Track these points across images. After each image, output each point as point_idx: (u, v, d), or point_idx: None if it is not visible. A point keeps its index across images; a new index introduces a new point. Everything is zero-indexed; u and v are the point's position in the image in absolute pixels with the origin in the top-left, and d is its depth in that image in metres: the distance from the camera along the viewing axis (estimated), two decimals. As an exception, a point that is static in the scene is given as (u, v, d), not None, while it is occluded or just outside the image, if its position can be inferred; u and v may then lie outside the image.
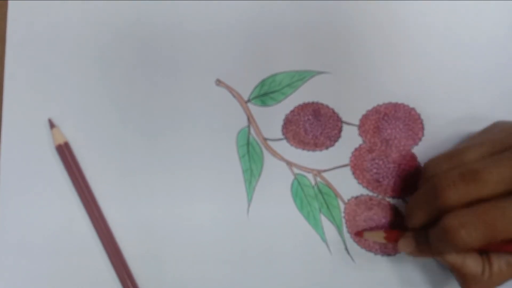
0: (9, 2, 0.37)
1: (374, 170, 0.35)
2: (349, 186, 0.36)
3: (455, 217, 0.27)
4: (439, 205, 0.28)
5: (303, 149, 0.36)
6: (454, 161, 0.29)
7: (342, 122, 0.36)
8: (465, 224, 0.26)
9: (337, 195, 0.35)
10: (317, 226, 0.35)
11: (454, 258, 0.30)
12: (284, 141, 0.36)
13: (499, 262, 0.29)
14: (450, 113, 0.36)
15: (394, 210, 0.35)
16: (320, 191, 0.35)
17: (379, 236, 0.34)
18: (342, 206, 0.35)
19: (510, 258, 0.29)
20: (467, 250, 0.28)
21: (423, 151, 0.35)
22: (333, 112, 0.36)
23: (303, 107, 0.36)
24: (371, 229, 0.35)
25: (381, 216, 0.35)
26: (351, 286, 0.35)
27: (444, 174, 0.28)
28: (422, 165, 0.35)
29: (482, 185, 0.27)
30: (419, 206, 0.30)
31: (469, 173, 0.27)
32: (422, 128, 0.35)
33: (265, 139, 0.36)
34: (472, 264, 0.30)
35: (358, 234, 0.35)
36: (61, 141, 0.35)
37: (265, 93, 0.36)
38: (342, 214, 0.35)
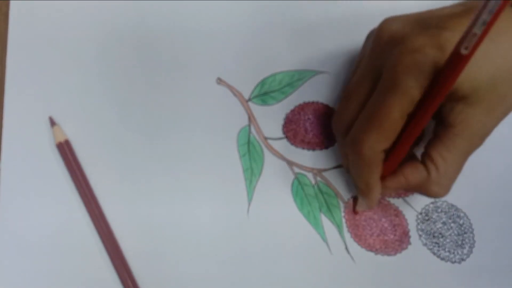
0: (11, 2, 0.37)
1: (375, 170, 0.35)
2: (349, 186, 0.36)
3: (349, 135, 0.29)
4: (341, 134, 0.31)
5: (304, 148, 0.36)
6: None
7: (342, 121, 0.36)
8: (358, 134, 0.28)
9: (337, 194, 0.36)
10: (317, 225, 0.35)
11: (395, 181, 0.30)
12: (285, 140, 0.36)
13: (439, 152, 0.29)
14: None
15: (395, 210, 0.35)
16: (320, 190, 0.36)
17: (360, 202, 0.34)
18: (342, 205, 0.35)
19: (445, 142, 0.28)
20: (377, 160, 0.28)
21: (423, 150, 0.35)
22: (333, 111, 0.36)
23: (303, 106, 0.36)
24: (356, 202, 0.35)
25: (381, 216, 0.35)
26: (351, 286, 0.35)
27: (336, 111, 0.32)
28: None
29: (355, 96, 0.29)
30: (341, 156, 0.33)
31: (345, 94, 0.30)
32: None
33: (266, 138, 0.36)
34: (413, 172, 0.30)
35: (356, 213, 0.35)
36: (61, 139, 0.35)
37: (266, 92, 0.36)
38: (342, 214, 0.35)
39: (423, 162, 0.30)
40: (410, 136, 0.28)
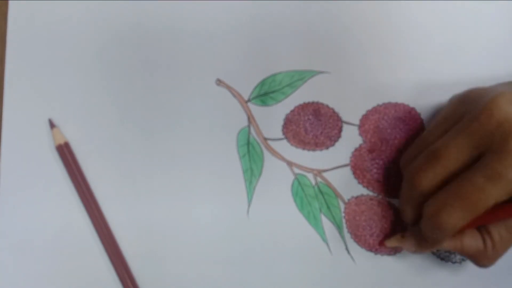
0: (10, 2, 0.37)
1: (374, 170, 0.35)
2: (349, 186, 0.36)
3: (432, 203, 0.28)
4: (417, 194, 0.29)
5: (304, 149, 0.36)
6: (420, 148, 0.30)
7: (342, 122, 0.36)
8: (443, 207, 0.27)
9: (337, 195, 0.36)
10: (317, 226, 0.35)
11: (452, 244, 0.30)
12: (285, 141, 0.36)
13: (498, 230, 0.30)
14: (450, 113, 0.36)
15: (394, 210, 0.35)
16: (320, 191, 0.36)
17: (397, 240, 0.34)
18: (342, 206, 0.35)
19: (508, 223, 0.29)
20: (457, 230, 0.28)
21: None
22: (333, 111, 0.36)
23: (303, 106, 0.36)
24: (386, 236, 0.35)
25: (381, 216, 0.35)
26: (351, 286, 0.35)
27: (413, 163, 0.30)
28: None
29: (445, 161, 0.27)
30: (405, 201, 0.31)
31: (431, 154, 0.28)
32: (422, 128, 0.35)
33: (266, 139, 0.36)
34: (471, 242, 0.30)
35: (381, 244, 0.35)
36: (61, 141, 0.35)
37: (265, 93, 0.36)
38: (343, 214, 0.35)
39: (480, 232, 0.30)
40: (492, 218, 0.29)
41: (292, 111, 0.36)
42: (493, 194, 0.26)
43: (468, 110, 0.28)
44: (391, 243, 0.34)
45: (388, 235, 0.35)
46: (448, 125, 0.29)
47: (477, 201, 0.26)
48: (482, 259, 0.30)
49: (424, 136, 0.31)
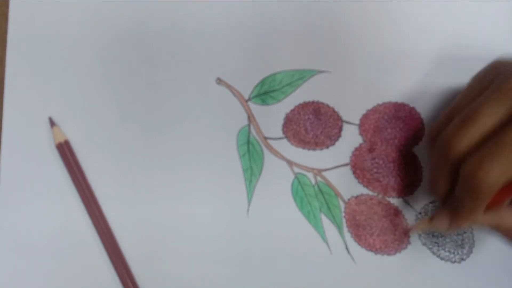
0: (10, 2, 0.37)
1: (374, 170, 0.35)
2: (349, 186, 0.36)
3: (470, 161, 0.27)
4: (452, 159, 0.28)
5: (304, 148, 0.36)
6: (451, 117, 0.30)
7: (342, 121, 0.36)
8: (481, 163, 0.26)
9: (337, 194, 0.35)
10: (317, 225, 0.35)
11: (490, 219, 0.30)
12: (285, 140, 0.36)
13: None
14: (450, 113, 0.36)
15: (394, 210, 0.35)
16: (320, 190, 0.35)
17: (424, 223, 0.33)
18: (342, 205, 0.35)
19: None
20: (494, 191, 0.27)
21: (423, 151, 0.35)
22: (334, 111, 0.36)
23: (303, 106, 0.36)
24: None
25: (381, 216, 0.35)
26: (351, 286, 0.35)
27: (446, 129, 0.29)
28: (422, 164, 0.35)
29: (482, 122, 0.27)
30: (438, 171, 0.30)
31: (467, 116, 0.28)
32: (422, 128, 0.36)
33: (266, 138, 0.36)
34: (510, 217, 0.29)
35: (406, 232, 0.35)
36: (61, 140, 0.35)
37: (266, 92, 0.36)
38: (343, 214, 0.35)
39: None
40: None
41: (292, 110, 0.36)
42: None
43: (497, 75, 0.28)
44: (418, 227, 0.33)
45: (391, 232, 0.35)
46: (477, 92, 0.29)
47: None
48: None
49: (454, 106, 0.30)
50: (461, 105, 0.30)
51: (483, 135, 0.27)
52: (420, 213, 0.35)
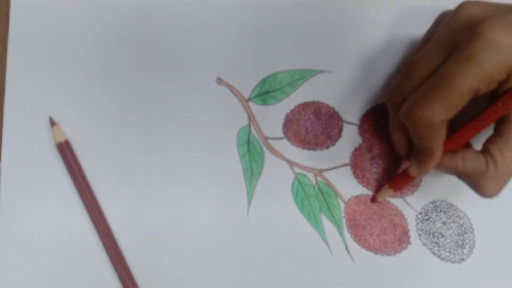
0: (11, 2, 0.37)
1: (374, 170, 0.36)
2: (349, 186, 0.36)
3: (407, 101, 0.28)
4: (399, 107, 0.29)
5: (304, 148, 0.36)
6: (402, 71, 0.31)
7: (342, 121, 0.36)
8: (417, 101, 0.27)
9: (337, 194, 0.35)
10: (317, 226, 0.35)
11: (452, 161, 0.30)
12: (285, 140, 0.36)
13: (500, 150, 0.28)
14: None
15: (394, 210, 0.35)
16: (320, 190, 0.35)
17: (387, 191, 0.34)
18: (342, 205, 0.35)
19: (509, 141, 0.28)
20: (438, 131, 0.27)
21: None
22: (334, 111, 0.36)
23: (303, 106, 0.36)
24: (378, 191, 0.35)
25: (381, 216, 0.35)
26: (351, 286, 0.35)
27: (391, 83, 0.31)
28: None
29: (419, 69, 0.28)
30: (393, 128, 0.32)
31: (406, 67, 0.29)
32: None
33: (266, 138, 0.36)
34: (472, 161, 0.29)
35: (373, 201, 0.35)
36: (61, 139, 0.35)
37: (266, 92, 0.36)
38: (342, 214, 0.35)
39: (482, 154, 0.29)
40: (481, 123, 0.28)
41: (292, 110, 0.36)
42: (465, 79, 0.25)
43: (439, 25, 0.29)
44: (382, 196, 0.34)
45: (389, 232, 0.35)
46: (423, 44, 0.30)
47: (449, 87, 0.26)
48: (485, 181, 0.29)
49: (404, 62, 0.32)
50: (407, 61, 0.31)
51: (423, 79, 0.28)
52: (420, 213, 0.35)
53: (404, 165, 0.35)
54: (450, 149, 0.30)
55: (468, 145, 0.30)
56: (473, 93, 0.26)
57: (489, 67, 0.25)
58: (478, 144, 0.31)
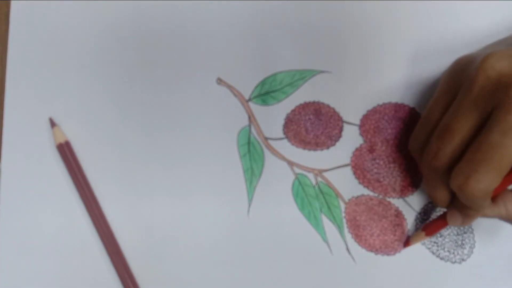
0: (11, 2, 0.37)
1: (375, 170, 0.36)
2: (349, 186, 0.36)
3: (456, 175, 0.28)
4: (441, 175, 0.29)
5: (304, 148, 0.36)
6: (425, 128, 0.31)
7: (343, 121, 0.36)
8: (468, 175, 0.27)
9: (337, 195, 0.36)
10: (318, 226, 0.35)
11: (496, 210, 0.30)
12: (285, 141, 0.36)
13: None
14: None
15: (395, 210, 0.35)
16: (321, 191, 0.36)
17: (421, 236, 0.34)
18: (342, 206, 0.35)
19: None
20: (490, 195, 0.28)
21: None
22: (334, 111, 0.36)
23: (304, 106, 0.36)
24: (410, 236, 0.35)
25: (381, 216, 0.35)
26: (352, 286, 0.35)
27: (427, 147, 0.30)
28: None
29: (458, 133, 0.28)
30: (433, 187, 0.31)
31: (442, 131, 0.29)
32: (423, 128, 0.36)
33: (266, 138, 0.36)
34: None
35: (406, 245, 0.35)
36: (62, 140, 0.35)
37: (266, 92, 0.36)
38: (343, 214, 0.35)
39: None
40: None
41: (293, 110, 0.36)
42: None
43: (462, 78, 0.29)
44: (415, 241, 0.34)
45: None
46: (448, 99, 0.30)
47: (500, 158, 0.26)
48: None
49: (426, 115, 0.31)
50: (433, 116, 0.30)
51: (463, 146, 0.28)
52: (420, 213, 0.35)
53: (438, 210, 0.35)
54: (492, 197, 0.30)
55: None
56: None
57: None
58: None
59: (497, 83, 0.26)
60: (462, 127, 0.28)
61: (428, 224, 0.34)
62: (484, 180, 0.26)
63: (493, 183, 0.27)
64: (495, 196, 0.30)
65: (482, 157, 0.26)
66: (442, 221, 0.33)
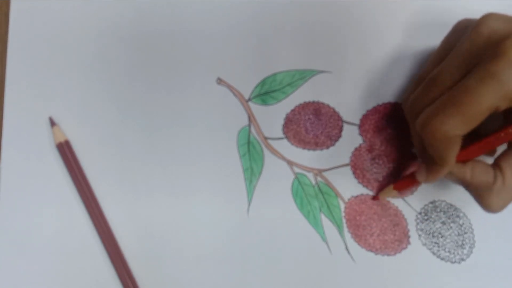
0: (11, 2, 0.37)
1: (374, 170, 0.36)
2: (349, 186, 0.36)
3: (422, 115, 0.28)
4: (416, 123, 0.29)
5: (304, 148, 0.36)
6: (418, 83, 0.31)
7: (342, 121, 0.36)
8: (434, 114, 0.27)
9: (337, 194, 0.36)
10: (317, 225, 0.35)
11: (461, 170, 0.30)
12: (285, 140, 0.36)
13: (509, 166, 0.29)
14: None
15: (394, 210, 0.35)
16: (320, 190, 0.36)
17: (391, 192, 0.34)
18: (342, 205, 0.35)
19: None
20: (454, 145, 0.27)
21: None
22: (334, 111, 0.36)
23: (303, 106, 0.36)
24: (381, 190, 0.35)
25: (381, 216, 0.35)
26: (351, 286, 0.35)
27: (412, 95, 0.30)
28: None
29: (440, 83, 0.28)
30: (412, 131, 0.32)
31: (427, 81, 0.29)
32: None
33: (266, 138, 0.36)
34: (481, 173, 0.29)
35: (375, 199, 0.35)
36: (61, 139, 0.35)
37: (266, 92, 0.36)
38: (342, 214, 0.35)
39: (492, 167, 0.29)
40: (496, 140, 0.28)
41: (292, 110, 0.36)
42: (487, 96, 0.25)
43: (459, 37, 0.29)
44: (384, 195, 0.35)
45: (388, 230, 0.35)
46: (442, 55, 0.30)
47: (469, 104, 0.25)
48: (490, 195, 0.29)
49: (421, 73, 0.31)
50: (426, 71, 0.30)
51: (442, 94, 0.28)
52: (419, 213, 0.35)
53: (412, 167, 0.35)
54: (462, 160, 0.29)
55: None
56: (492, 110, 0.25)
57: (511, 85, 0.25)
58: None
59: (487, 40, 0.26)
60: (445, 79, 0.28)
61: (399, 181, 0.34)
62: (448, 123, 0.26)
63: (457, 128, 0.26)
64: (465, 161, 0.30)
65: (452, 100, 0.26)
66: (412, 178, 0.32)
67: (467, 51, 0.27)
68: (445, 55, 0.29)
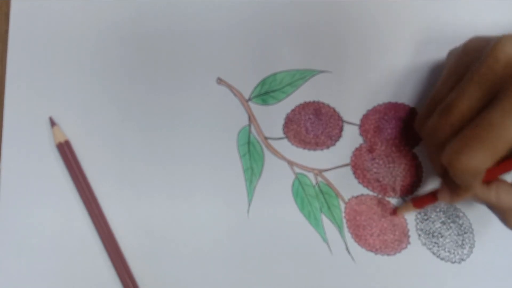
0: (11, 2, 0.37)
1: (375, 170, 0.36)
2: (349, 186, 0.36)
3: (448, 150, 0.27)
4: (439, 148, 0.29)
5: (304, 148, 0.36)
6: (431, 107, 0.30)
7: (343, 121, 0.36)
8: (461, 150, 0.26)
9: (337, 194, 0.36)
10: (317, 225, 0.35)
11: (486, 193, 0.29)
12: (285, 140, 0.36)
13: None
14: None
15: (394, 210, 0.35)
16: (321, 190, 0.36)
17: (409, 208, 0.34)
18: (342, 205, 0.35)
19: None
20: (480, 174, 0.27)
21: (423, 151, 0.35)
22: (334, 111, 0.36)
23: (304, 106, 0.36)
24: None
25: (381, 216, 0.35)
26: (351, 286, 0.35)
27: (428, 121, 0.30)
28: (422, 164, 0.35)
29: (459, 111, 0.27)
30: (431, 158, 0.31)
31: (444, 108, 0.28)
32: (422, 128, 0.36)
33: (266, 138, 0.36)
34: (506, 194, 0.29)
35: (393, 214, 0.35)
36: (61, 139, 0.35)
37: (266, 92, 0.36)
38: (343, 214, 0.35)
39: None
40: None
41: (293, 110, 0.36)
42: None
43: (473, 59, 0.28)
44: (402, 211, 0.34)
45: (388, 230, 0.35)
46: (455, 78, 0.29)
47: (496, 138, 0.25)
48: None
49: (434, 95, 0.31)
50: (440, 93, 0.30)
51: (461, 122, 0.27)
52: (419, 213, 0.35)
53: (428, 184, 0.35)
54: (485, 181, 0.29)
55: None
56: None
57: None
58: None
59: (506, 66, 0.26)
60: (463, 105, 0.27)
61: (418, 197, 0.34)
62: (475, 158, 0.26)
63: (484, 162, 0.26)
64: (489, 181, 0.30)
65: (478, 134, 0.26)
66: (432, 196, 0.32)
67: (484, 78, 0.26)
68: (459, 78, 0.29)
